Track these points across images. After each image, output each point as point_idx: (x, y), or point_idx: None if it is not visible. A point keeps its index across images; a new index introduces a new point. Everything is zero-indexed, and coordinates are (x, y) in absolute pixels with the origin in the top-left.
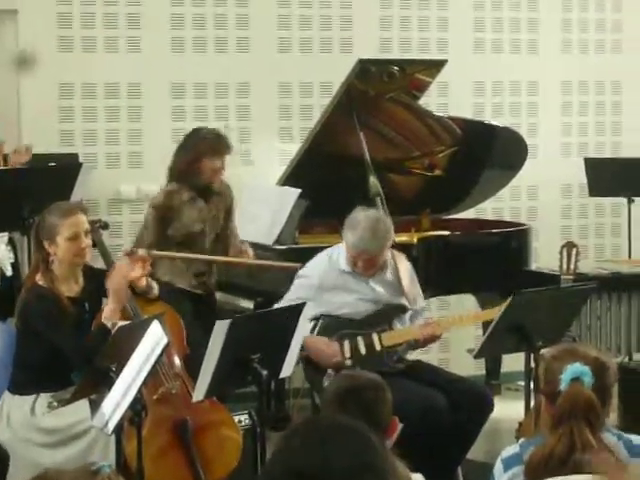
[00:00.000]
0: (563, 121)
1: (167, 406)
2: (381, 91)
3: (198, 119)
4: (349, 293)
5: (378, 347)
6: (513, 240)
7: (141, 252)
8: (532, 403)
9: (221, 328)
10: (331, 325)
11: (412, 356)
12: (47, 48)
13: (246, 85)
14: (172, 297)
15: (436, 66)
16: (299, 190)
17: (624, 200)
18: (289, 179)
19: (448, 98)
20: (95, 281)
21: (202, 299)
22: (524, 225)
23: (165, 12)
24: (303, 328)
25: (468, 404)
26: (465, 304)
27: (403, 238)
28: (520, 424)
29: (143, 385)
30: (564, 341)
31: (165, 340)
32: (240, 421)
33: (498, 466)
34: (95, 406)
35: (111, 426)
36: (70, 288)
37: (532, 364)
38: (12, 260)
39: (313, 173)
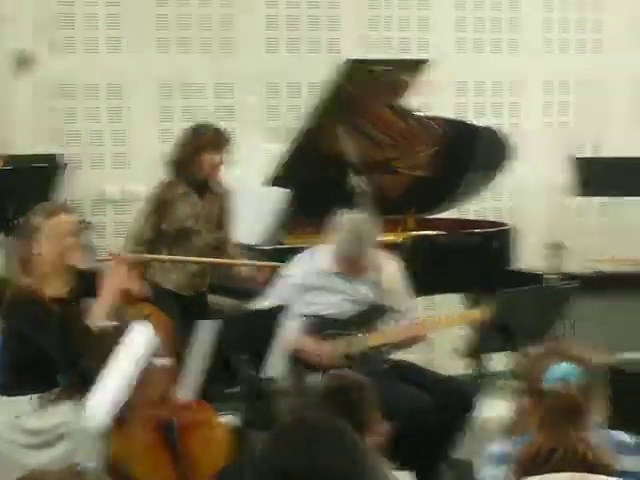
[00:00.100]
0: (545, 121)
1: (153, 406)
2: (367, 91)
3: (184, 119)
4: (333, 294)
5: (363, 347)
6: (497, 240)
7: (131, 256)
8: (517, 401)
9: (204, 328)
10: (316, 325)
11: (397, 356)
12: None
13: (231, 85)
14: (159, 298)
15: (419, 66)
16: (285, 190)
17: (609, 199)
18: (276, 179)
19: (430, 98)
20: (81, 282)
21: (192, 300)
22: (507, 225)
23: (150, 12)
24: (288, 328)
25: (453, 404)
26: (450, 304)
27: (389, 238)
28: (508, 422)
29: (132, 385)
30: (549, 340)
31: (153, 341)
32: (226, 421)
33: (485, 463)
34: (81, 406)
35: (98, 426)
36: (56, 289)
37: (517, 363)
38: None
39: (300, 173)
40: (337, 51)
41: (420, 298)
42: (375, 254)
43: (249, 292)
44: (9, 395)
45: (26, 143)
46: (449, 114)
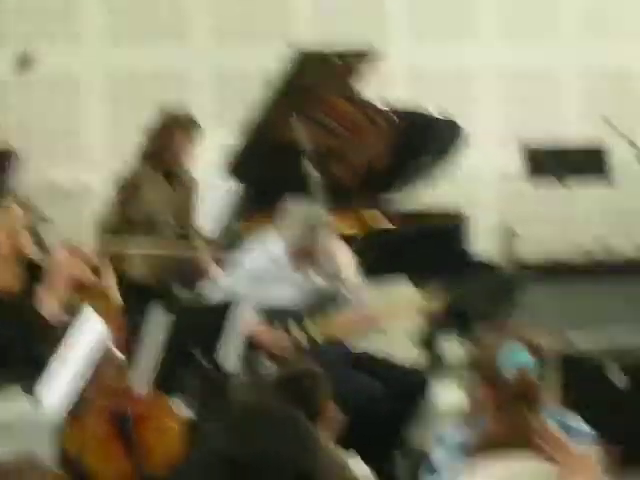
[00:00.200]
0: (500, 110)
1: (107, 397)
2: (320, 81)
3: (134, 109)
4: (287, 283)
5: (316, 336)
6: (451, 229)
7: (84, 247)
8: (470, 388)
9: (157, 319)
10: (269, 315)
11: (350, 345)
12: None
13: (184, 76)
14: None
15: (371, 56)
16: (238, 181)
17: (562, 188)
18: (229, 170)
19: (383, 87)
20: (33, 273)
21: (156, 291)
22: (461, 213)
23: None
24: (241, 318)
25: (407, 392)
26: (403, 292)
27: (342, 227)
28: (463, 409)
29: (85, 376)
30: (502, 326)
31: (105, 331)
32: (181, 412)
33: (439, 449)
34: (36, 399)
35: (52, 418)
36: (7, 280)
37: (471, 349)
38: None
39: (253, 163)
40: (291, 43)
41: (374, 287)
42: (327, 243)
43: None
44: None
45: None
46: (401, 103)
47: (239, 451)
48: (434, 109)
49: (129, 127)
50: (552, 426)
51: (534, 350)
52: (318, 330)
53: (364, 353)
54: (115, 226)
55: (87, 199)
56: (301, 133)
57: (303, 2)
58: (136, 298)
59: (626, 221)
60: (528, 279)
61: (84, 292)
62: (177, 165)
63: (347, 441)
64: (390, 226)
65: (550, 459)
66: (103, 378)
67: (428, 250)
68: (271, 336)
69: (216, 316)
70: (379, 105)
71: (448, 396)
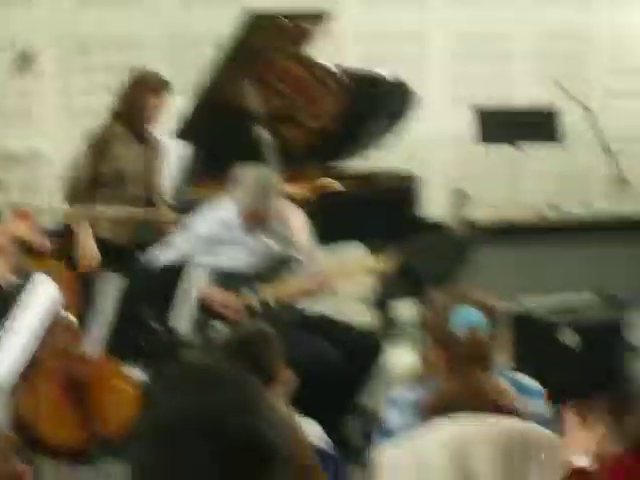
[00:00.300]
0: (452, 72)
1: (60, 361)
2: (270, 43)
3: (86, 74)
4: (238, 246)
5: (269, 299)
6: (402, 191)
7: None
8: (423, 349)
9: (109, 281)
10: (221, 278)
11: (303, 306)
12: None
13: (136, 41)
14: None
15: (322, 17)
16: (190, 143)
17: (514, 149)
18: (180, 133)
19: (333, 48)
20: None
21: (119, 252)
22: (413, 175)
23: None
24: (194, 281)
25: (359, 353)
26: (356, 253)
27: (293, 190)
28: (415, 369)
29: (37, 341)
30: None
31: (56, 295)
32: (133, 375)
33: (391, 410)
34: None
35: (3, 384)
36: None
37: (423, 310)
38: None
39: (204, 126)
40: (244, 6)
41: (326, 249)
42: (279, 206)
43: None
44: None
45: None
46: (353, 66)
47: (184, 413)
48: (386, 72)
49: (80, 92)
50: (504, 384)
51: (485, 310)
52: (271, 293)
53: (317, 316)
54: (84, 181)
55: (38, 165)
56: (252, 96)
57: None
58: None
59: (577, 183)
60: (480, 241)
61: (34, 256)
62: (147, 125)
63: (300, 404)
64: (342, 189)
65: (503, 418)
66: (56, 342)
67: (380, 212)
68: (224, 299)
69: (168, 279)
70: (331, 68)
71: (401, 358)
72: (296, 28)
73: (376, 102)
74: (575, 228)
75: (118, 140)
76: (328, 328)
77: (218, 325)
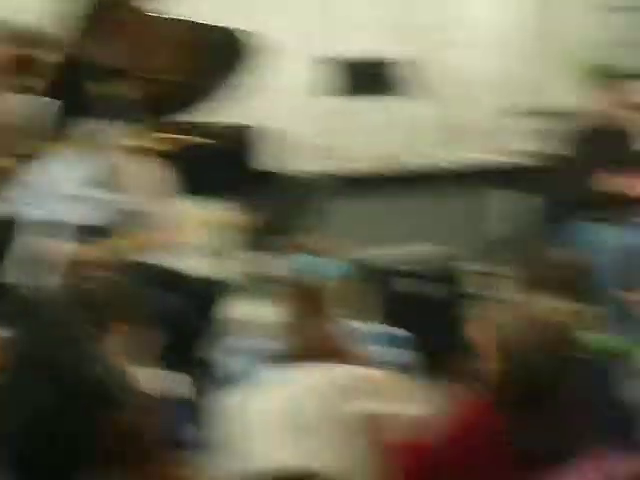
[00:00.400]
0: (303, 24)
1: None
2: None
3: None
4: (86, 202)
5: (117, 253)
6: (250, 143)
7: None
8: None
9: None
10: (69, 232)
11: (150, 260)
12: None
13: None
14: None
15: None
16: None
17: (361, 101)
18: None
19: (183, 3)
20: None
21: None
22: (263, 128)
23: None
24: (34, 234)
25: (207, 305)
26: (206, 209)
27: (142, 147)
28: (266, 320)
29: None
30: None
31: None
32: None
33: (237, 360)
34: None
35: None
36: None
37: (272, 262)
38: None
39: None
40: None
41: (173, 203)
42: (128, 160)
43: None
44: None
45: None
46: (203, 19)
47: (23, 350)
48: (233, 25)
49: None
50: (353, 332)
51: (336, 261)
52: (119, 247)
53: (164, 269)
54: None
55: None
56: (94, 53)
57: None
58: None
59: (424, 134)
60: (331, 192)
61: None
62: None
63: (149, 355)
64: (194, 143)
65: (350, 367)
66: None
67: (231, 166)
68: (66, 252)
69: (4, 233)
70: (177, 21)
71: (249, 309)
72: None
73: (224, 56)
74: (415, 179)
75: None
76: (175, 281)
77: (57, 278)
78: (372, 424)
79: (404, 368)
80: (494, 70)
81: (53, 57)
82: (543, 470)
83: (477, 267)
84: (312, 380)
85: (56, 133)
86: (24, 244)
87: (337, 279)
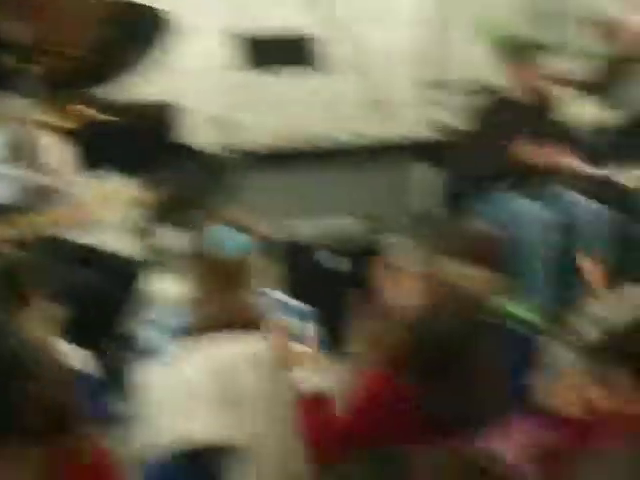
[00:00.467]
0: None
1: None
2: None
3: None
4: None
5: (31, 230)
6: (164, 119)
7: None
8: (187, 274)
9: None
10: None
11: (65, 236)
12: None
13: None
14: None
15: None
16: None
17: (278, 76)
18: None
19: None
20: None
21: None
22: (173, 104)
23: None
24: None
25: (122, 281)
26: (118, 185)
27: (55, 122)
28: (180, 295)
29: None
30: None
31: None
32: None
33: (152, 332)
34: None
35: None
36: None
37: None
38: None
39: None
40: None
41: (87, 179)
42: (39, 138)
43: None
44: None
45: None
46: None
47: None
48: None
49: None
50: (266, 305)
51: (250, 235)
52: (33, 224)
53: (79, 245)
54: None
55: None
56: (3, 27)
57: None
58: None
59: (342, 108)
60: (247, 167)
61: None
62: None
63: (64, 330)
64: (102, 118)
65: (264, 339)
66: None
67: (140, 141)
68: None
69: None
70: None
71: (164, 285)
72: None
73: (134, 32)
74: (335, 153)
75: None
76: (90, 257)
77: None
78: (289, 395)
79: (310, 341)
80: (409, 43)
81: None
82: (453, 436)
83: (397, 240)
84: (228, 351)
85: None
86: None
87: (246, 253)
